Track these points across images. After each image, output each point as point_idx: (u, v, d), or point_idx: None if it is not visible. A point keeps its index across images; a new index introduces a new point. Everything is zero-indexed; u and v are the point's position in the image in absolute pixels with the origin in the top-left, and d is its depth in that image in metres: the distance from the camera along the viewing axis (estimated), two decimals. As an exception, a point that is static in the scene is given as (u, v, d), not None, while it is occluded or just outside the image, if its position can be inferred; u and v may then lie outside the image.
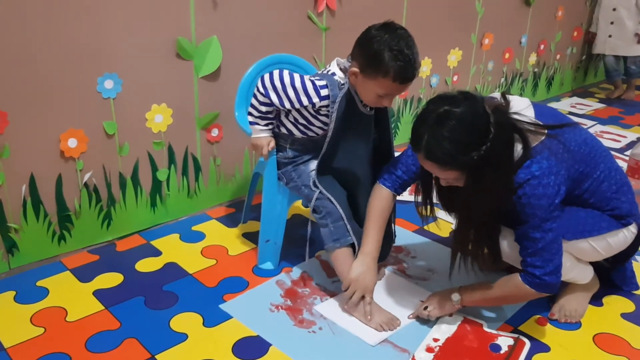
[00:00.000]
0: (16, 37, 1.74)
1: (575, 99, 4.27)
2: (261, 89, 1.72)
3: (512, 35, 3.65)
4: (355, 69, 1.63)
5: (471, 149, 1.38)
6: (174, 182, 2.26)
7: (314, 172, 1.80)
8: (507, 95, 1.52)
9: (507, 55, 3.66)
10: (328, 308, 1.77)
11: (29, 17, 1.75)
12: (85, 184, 2.02)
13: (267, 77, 1.71)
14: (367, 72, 1.61)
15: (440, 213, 2.36)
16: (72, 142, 1.93)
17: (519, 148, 1.45)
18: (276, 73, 1.70)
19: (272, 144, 1.84)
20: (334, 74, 1.71)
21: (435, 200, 1.71)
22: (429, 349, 1.60)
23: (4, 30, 1.71)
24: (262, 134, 1.82)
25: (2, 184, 1.83)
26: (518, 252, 1.55)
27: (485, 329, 1.68)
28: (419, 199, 1.72)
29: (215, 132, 2.32)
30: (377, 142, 1.86)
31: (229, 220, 2.32)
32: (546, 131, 1.49)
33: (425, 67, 3.10)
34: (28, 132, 1.84)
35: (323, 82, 1.68)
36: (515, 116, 1.47)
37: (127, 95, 2.03)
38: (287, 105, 1.71)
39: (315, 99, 1.67)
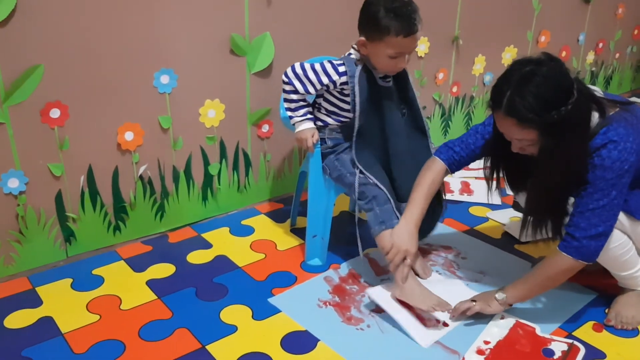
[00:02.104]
0: (78, 34, 1.80)
1: (635, 100, 4.11)
2: (285, 80, 1.82)
3: (569, 33, 3.54)
4: (362, 39, 1.73)
5: (553, 107, 1.38)
6: (225, 177, 2.30)
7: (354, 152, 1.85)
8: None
9: (563, 54, 3.55)
10: (380, 292, 1.75)
11: (90, 14, 1.80)
12: (141, 177, 2.07)
13: (289, 69, 1.82)
14: (372, 38, 1.70)
15: (491, 214, 2.33)
16: (128, 136, 1.99)
17: (595, 117, 1.47)
18: (297, 64, 1.82)
19: (316, 135, 1.87)
20: (350, 54, 1.82)
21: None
22: (480, 352, 1.57)
23: (66, 27, 1.77)
24: (303, 126, 1.86)
25: (61, 174, 1.90)
26: None
27: (539, 333, 1.64)
28: (487, 172, 1.72)
29: (265, 128, 2.34)
30: (409, 117, 1.89)
31: (278, 216, 2.34)
32: (618, 105, 1.52)
33: (479, 64, 3.05)
34: (87, 125, 1.90)
35: (340, 61, 1.79)
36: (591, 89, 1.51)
37: (182, 91, 2.06)
38: (311, 89, 1.80)
39: (335, 77, 1.77)
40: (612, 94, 1.63)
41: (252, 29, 2.16)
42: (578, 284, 1.83)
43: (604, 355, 1.58)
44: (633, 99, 4.13)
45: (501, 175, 1.70)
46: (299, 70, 1.79)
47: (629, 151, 1.45)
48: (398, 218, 1.76)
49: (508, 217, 2.30)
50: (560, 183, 1.52)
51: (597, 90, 1.57)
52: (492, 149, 1.68)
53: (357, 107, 1.78)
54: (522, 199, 1.77)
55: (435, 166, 1.77)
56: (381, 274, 1.93)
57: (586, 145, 1.47)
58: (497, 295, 1.63)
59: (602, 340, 1.64)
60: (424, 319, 1.68)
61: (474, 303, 1.65)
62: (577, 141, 1.45)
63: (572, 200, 1.55)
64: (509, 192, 1.83)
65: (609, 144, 1.45)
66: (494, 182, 1.71)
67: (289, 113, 1.87)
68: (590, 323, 1.70)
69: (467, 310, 1.65)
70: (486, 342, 1.61)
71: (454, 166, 1.77)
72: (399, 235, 1.71)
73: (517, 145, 1.51)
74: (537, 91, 1.39)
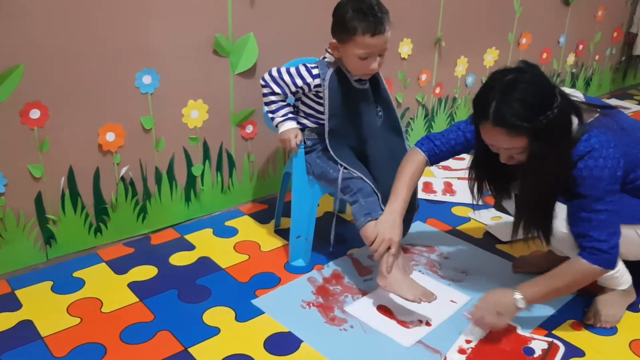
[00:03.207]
0: (58, 33, 1.78)
1: (614, 101, 4.16)
2: (263, 83, 1.88)
3: (550, 35, 3.58)
4: (334, 42, 1.78)
5: (541, 111, 1.39)
6: (208, 178, 2.29)
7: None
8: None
9: (544, 56, 3.59)
10: (359, 308, 1.77)
11: (71, 13, 1.78)
12: (122, 178, 2.05)
13: (266, 74, 1.87)
14: (342, 40, 1.74)
15: (473, 214, 2.35)
16: (110, 136, 1.97)
17: (575, 122, 1.48)
18: (274, 68, 1.87)
19: (300, 136, 1.89)
20: (324, 57, 1.87)
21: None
22: (461, 351, 1.59)
23: (46, 26, 1.75)
24: (286, 126, 1.87)
25: (41, 176, 1.88)
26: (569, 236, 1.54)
27: (519, 332, 1.66)
28: (472, 175, 1.73)
29: (249, 129, 2.33)
30: (385, 118, 1.92)
31: (262, 217, 2.34)
32: (599, 110, 1.53)
33: (461, 66, 3.07)
34: (68, 126, 1.88)
35: (314, 64, 1.84)
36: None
37: (165, 91, 2.05)
38: (287, 90, 1.85)
39: (309, 79, 1.82)
40: (593, 98, 1.65)
41: (235, 30, 2.16)
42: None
43: (583, 353, 1.60)
44: (612, 100, 4.20)
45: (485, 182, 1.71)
46: (275, 74, 1.84)
47: (613, 157, 1.46)
48: (383, 210, 1.76)
49: (490, 217, 2.32)
50: (548, 187, 1.52)
51: (578, 94, 1.58)
52: (477, 162, 1.68)
53: (327, 110, 1.82)
54: (508, 204, 1.78)
55: (416, 157, 1.77)
56: (365, 274, 1.93)
57: (570, 153, 1.46)
58: (518, 305, 1.57)
59: (582, 338, 1.66)
60: (405, 323, 1.69)
61: (502, 317, 1.59)
62: (564, 144, 1.46)
63: (560, 205, 1.56)
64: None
65: (592, 151, 1.45)
66: (478, 194, 1.72)
67: (270, 115, 1.90)
68: (570, 321, 1.72)
69: (495, 325, 1.61)
70: (468, 341, 1.62)
71: (433, 158, 1.78)
72: (383, 225, 1.70)
73: (506, 155, 1.50)
74: (524, 97, 1.39)
